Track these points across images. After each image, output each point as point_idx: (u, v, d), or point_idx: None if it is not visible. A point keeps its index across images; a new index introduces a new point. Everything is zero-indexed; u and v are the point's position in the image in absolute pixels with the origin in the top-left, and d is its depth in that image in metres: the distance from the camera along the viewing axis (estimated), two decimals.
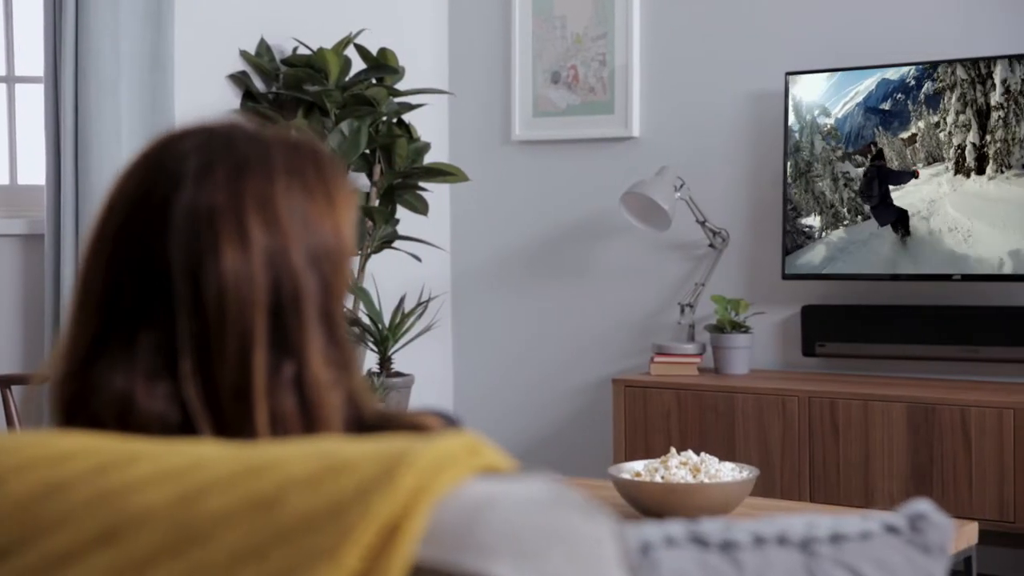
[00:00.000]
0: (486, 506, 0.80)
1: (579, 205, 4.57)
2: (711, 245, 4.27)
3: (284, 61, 4.09)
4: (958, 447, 3.50)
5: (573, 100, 4.58)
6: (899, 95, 3.85)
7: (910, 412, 3.57)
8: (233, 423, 0.99)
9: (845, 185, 3.94)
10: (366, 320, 3.99)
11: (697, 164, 4.33)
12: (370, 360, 4.06)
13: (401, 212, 4.26)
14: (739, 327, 4.09)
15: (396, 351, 3.97)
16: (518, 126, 4.68)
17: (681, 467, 2.43)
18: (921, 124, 3.81)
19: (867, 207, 3.90)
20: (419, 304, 3.99)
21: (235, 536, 0.79)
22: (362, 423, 1.06)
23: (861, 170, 3.90)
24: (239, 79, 4.06)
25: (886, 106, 3.88)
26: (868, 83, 3.87)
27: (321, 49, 3.97)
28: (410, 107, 4.16)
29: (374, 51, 4.11)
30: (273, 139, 1.11)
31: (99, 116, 3.57)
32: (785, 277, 4.04)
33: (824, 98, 3.98)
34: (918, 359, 3.87)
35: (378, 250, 4.17)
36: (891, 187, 3.84)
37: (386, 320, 4.03)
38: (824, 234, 3.97)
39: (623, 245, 4.48)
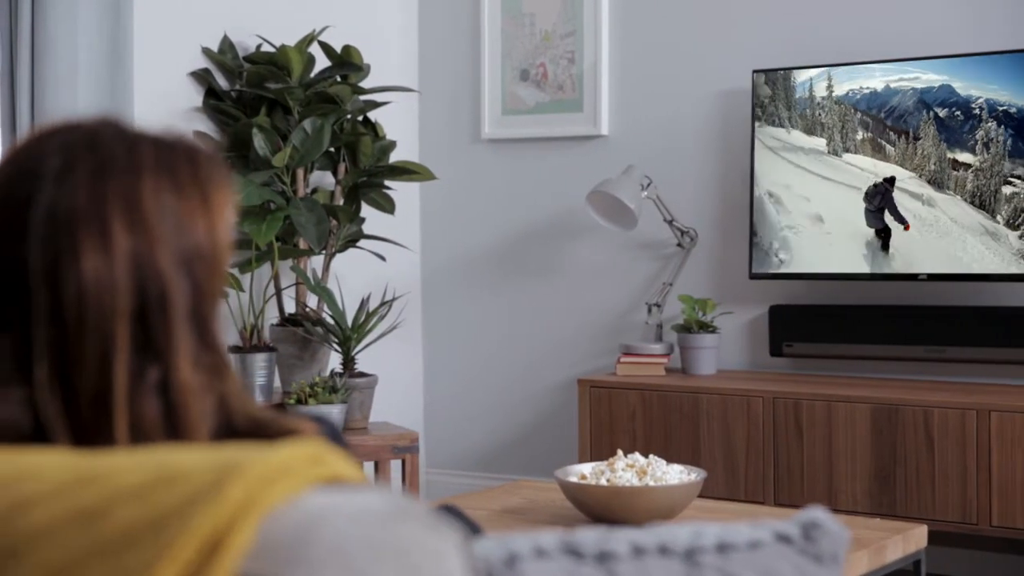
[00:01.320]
0: (319, 519, 0.77)
1: (549, 204, 4.54)
2: (679, 244, 4.23)
3: (247, 58, 4.05)
4: (921, 448, 3.48)
5: (542, 98, 4.55)
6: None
7: (874, 413, 3.55)
8: (91, 430, 0.96)
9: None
10: (330, 320, 3.96)
11: (666, 163, 4.30)
12: (334, 360, 4.03)
13: (368, 211, 4.23)
14: (706, 327, 4.06)
15: (359, 351, 3.93)
16: (487, 124, 4.65)
17: (628, 470, 2.40)
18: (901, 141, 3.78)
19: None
20: (383, 304, 3.96)
21: (54, 551, 0.76)
22: (233, 430, 1.02)
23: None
24: (201, 76, 4.02)
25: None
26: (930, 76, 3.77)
27: (283, 46, 3.93)
28: (375, 105, 4.12)
29: (340, 48, 4.08)
30: (143, 137, 1.07)
31: (56, 113, 3.54)
32: (752, 276, 4.01)
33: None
34: (885, 359, 3.85)
35: (343, 249, 4.13)
36: (887, 209, 3.79)
37: (350, 320, 3.99)
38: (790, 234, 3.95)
39: (592, 244, 4.45)
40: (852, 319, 3.86)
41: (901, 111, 3.77)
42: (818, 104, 3.89)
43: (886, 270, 3.78)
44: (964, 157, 3.66)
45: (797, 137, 3.93)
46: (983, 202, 3.61)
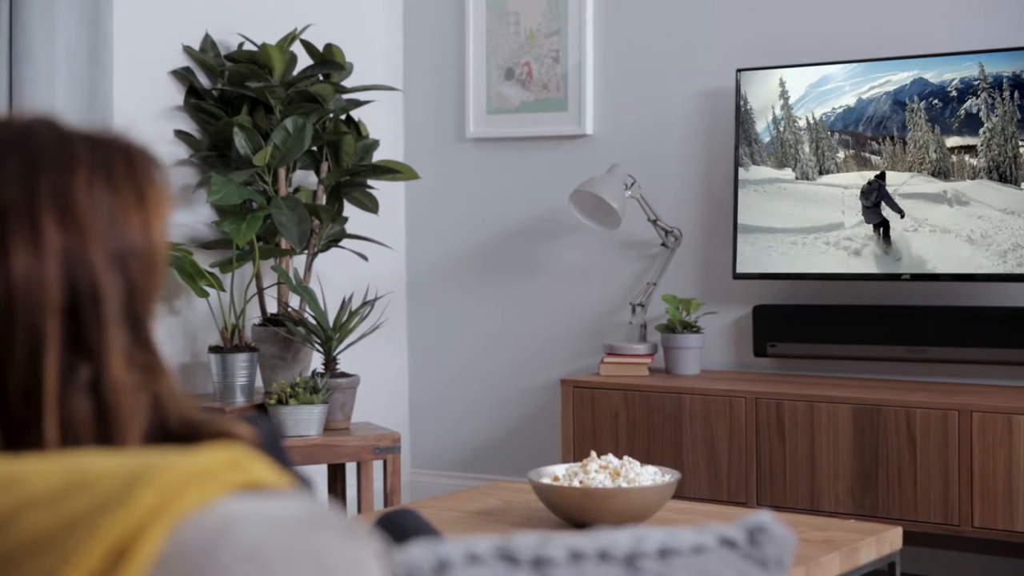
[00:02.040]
0: (231, 526, 0.75)
1: (534, 203, 4.52)
2: (663, 244, 4.22)
3: (228, 57, 4.03)
4: (903, 449, 3.46)
5: (527, 97, 4.53)
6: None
7: (856, 413, 3.53)
8: (21, 428, 0.94)
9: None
10: (312, 320, 3.94)
11: (651, 162, 4.29)
12: (316, 361, 4.01)
13: (352, 211, 4.21)
14: (690, 327, 4.05)
15: (341, 351, 3.91)
16: (472, 123, 4.64)
17: (601, 471, 2.38)
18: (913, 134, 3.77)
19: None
20: (364, 304, 3.94)
21: None
22: (166, 431, 1.01)
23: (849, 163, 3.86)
24: (182, 75, 4.01)
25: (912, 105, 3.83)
26: (902, 76, 3.76)
27: (265, 45, 3.91)
28: (357, 103, 4.11)
29: (323, 47, 4.06)
30: (78, 134, 1.05)
31: None
32: (736, 276, 3.99)
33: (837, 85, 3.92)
34: (869, 359, 3.83)
35: (325, 249, 4.12)
36: (883, 202, 3.77)
37: (332, 320, 3.97)
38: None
39: (577, 244, 4.44)
40: (836, 319, 3.85)
41: (880, 118, 3.75)
42: (784, 136, 3.88)
43: (870, 270, 3.76)
44: (954, 140, 3.64)
45: (764, 171, 3.92)
46: (1002, 174, 3.57)
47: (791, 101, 3.90)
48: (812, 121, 3.86)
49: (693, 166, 4.24)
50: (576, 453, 3.96)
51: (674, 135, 4.27)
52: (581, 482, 2.35)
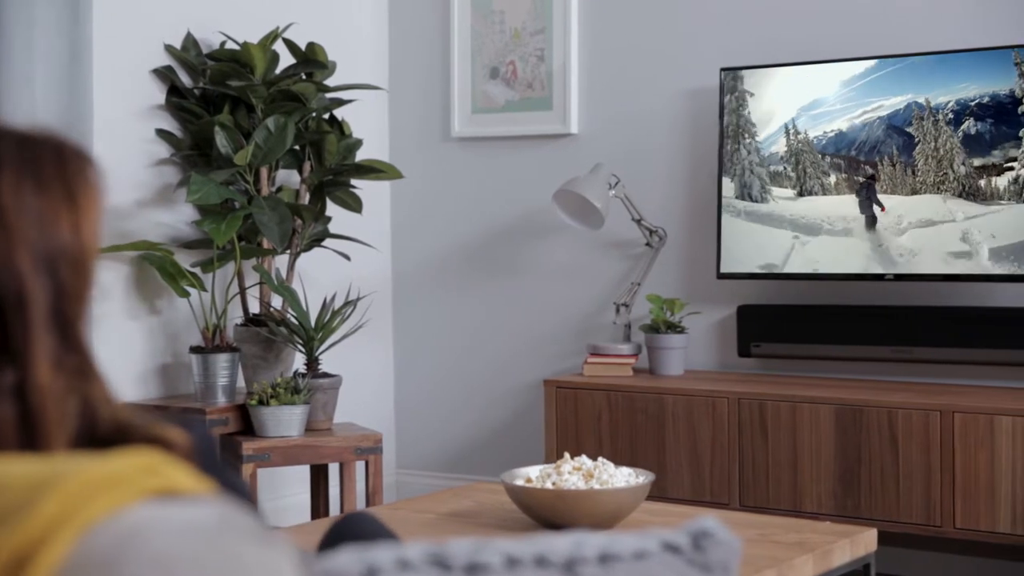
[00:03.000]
0: (141, 533, 0.73)
1: (519, 203, 4.51)
2: (648, 244, 4.20)
3: (210, 55, 4.01)
4: (885, 449, 3.45)
5: (512, 96, 4.52)
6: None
7: (838, 414, 3.52)
8: None
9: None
10: (294, 320, 3.92)
11: (635, 161, 4.27)
12: (300, 361, 3.99)
13: (337, 211, 4.19)
14: (674, 327, 4.03)
15: (323, 352, 3.90)
16: (457, 123, 4.62)
17: (574, 473, 2.36)
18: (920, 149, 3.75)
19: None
20: (346, 304, 3.92)
21: None
22: (96, 435, 0.99)
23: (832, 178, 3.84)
24: (164, 74, 3.99)
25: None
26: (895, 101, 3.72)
27: (246, 43, 3.89)
28: (340, 103, 4.09)
29: (305, 46, 4.04)
30: (7, 132, 1.03)
31: (13, 113, 3.50)
32: (720, 276, 3.98)
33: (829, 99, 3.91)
34: (853, 360, 3.82)
35: (308, 248, 4.10)
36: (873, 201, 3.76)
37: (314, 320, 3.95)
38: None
39: (563, 243, 4.42)
40: (820, 320, 3.83)
41: (873, 143, 3.73)
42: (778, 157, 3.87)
43: (855, 270, 3.75)
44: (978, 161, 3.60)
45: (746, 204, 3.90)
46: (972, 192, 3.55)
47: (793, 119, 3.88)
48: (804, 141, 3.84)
49: (678, 165, 4.22)
50: (559, 454, 3.93)
51: (659, 134, 4.25)
52: (554, 484, 2.33)
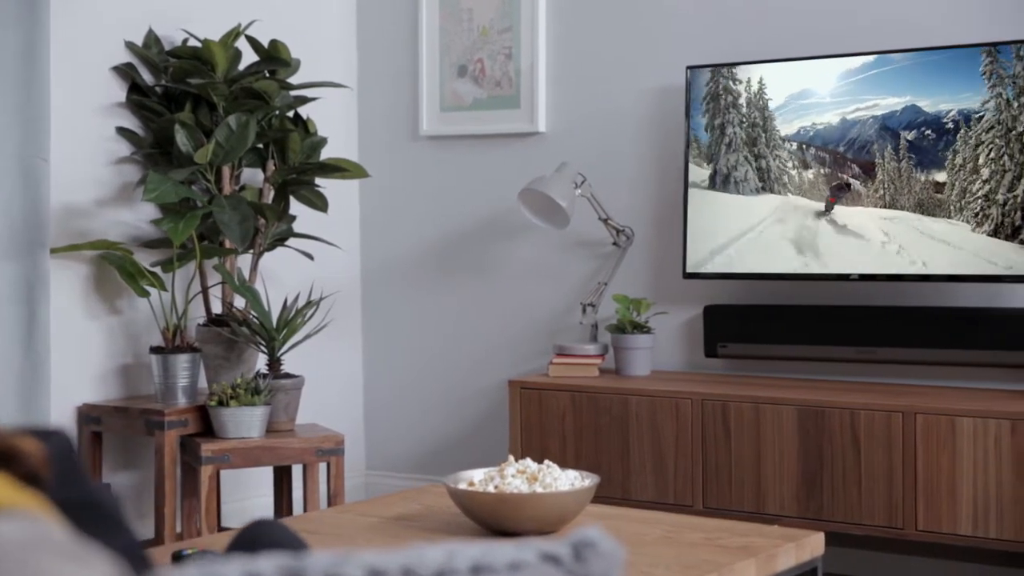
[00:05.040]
0: None
1: (488, 201, 4.47)
2: (615, 243, 4.17)
3: (171, 53, 3.97)
4: (847, 451, 3.41)
5: (480, 94, 4.48)
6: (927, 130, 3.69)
7: (800, 415, 3.48)
8: None
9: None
10: (256, 321, 3.88)
11: (603, 159, 4.24)
12: (262, 361, 3.95)
13: (303, 210, 4.15)
14: (640, 327, 4.00)
15: (285, 352, 3.86)
16: (426, 121, 4.58)
17: (518, 476, 2.33)
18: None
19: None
20: (308, 304, 3.88)
21: None
22: None
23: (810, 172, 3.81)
24: (125, 71, 3.95)
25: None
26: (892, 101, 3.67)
27: (207, 40, 3.85)
28: (303, 100, 4.05)
29: (269, 43, 4.00)
30: None
31: None
32: (686, 276, 3.94)
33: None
34: (819, 360, 3.79)
35: (271, 248, 4.06)
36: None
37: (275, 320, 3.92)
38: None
39: (532, 243, 4.39)
40: (786, 320, 3.80)
41: (863, 142, 3.69)
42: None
43: (819, 270, 3.72)
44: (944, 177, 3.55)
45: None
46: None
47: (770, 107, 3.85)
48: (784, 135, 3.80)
49: (646, 164, 4.19)
50: (524, 455, 3.90)
51: (627, 133, 4.22)
52: (497, 487, 2.30)
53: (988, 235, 3.46)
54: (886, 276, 3.62)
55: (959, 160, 3.51)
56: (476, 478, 2.38)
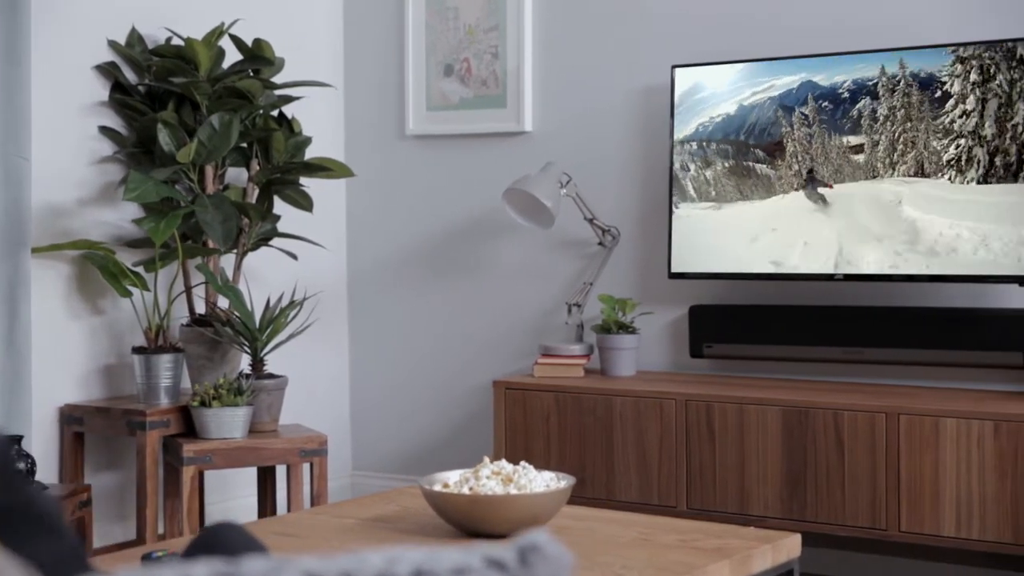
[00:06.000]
0: None
1: (474, 201, 4.46)
2: (600, 243, 4.15)
3: (154, 52, 3.96)
4: (831, 452, 3.40)
5: (466, 94, 4.47)
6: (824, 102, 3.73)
7: (785, 416, 3.47)
8: None
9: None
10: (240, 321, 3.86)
11: (589, 159, 4.23)
12: (245, 362, 3.94)
13: (288, 209, 4.14)
14: (626, 328, 3.98)
15: (268, 352, 3.84)
16: (412, 120, 4.57)
17: (493, 477, 2.31)
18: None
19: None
20: (291, 304, 3.86)
21: None
22: None
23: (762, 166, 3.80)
24: (107, 70, 3.93)
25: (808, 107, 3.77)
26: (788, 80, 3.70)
27: (190, 39, 3.84)
28: (288, 99, 4.03)
29: (253, 42, 3.98)
30: None
31: None
32: (671, 276, 3.93)
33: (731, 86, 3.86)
34: (804, 360, 3.77)
35: (255, 247, 4.04)
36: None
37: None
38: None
39: (519, 242, 4.37)
40: (772, 320, 3.79)
41: (764, 124, 3.69)
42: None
43: (805, 270, 3.70)
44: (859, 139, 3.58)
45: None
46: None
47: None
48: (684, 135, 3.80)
49: (632, 163, 4.18)
50: (508, 455, 3.89)
51: (613, 132, 4.20)
52: (471, 489, 2.29)
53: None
54: (868, 276, 3.61)
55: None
56: (451, 479, 2.36)
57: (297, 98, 4.06)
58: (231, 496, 4.27)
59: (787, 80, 3.69)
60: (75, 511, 3.45)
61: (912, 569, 3.66)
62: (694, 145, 3.79)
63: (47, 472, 3.76)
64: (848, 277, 3.64)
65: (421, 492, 2.47)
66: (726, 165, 3.73)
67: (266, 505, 4.03)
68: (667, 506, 3.62)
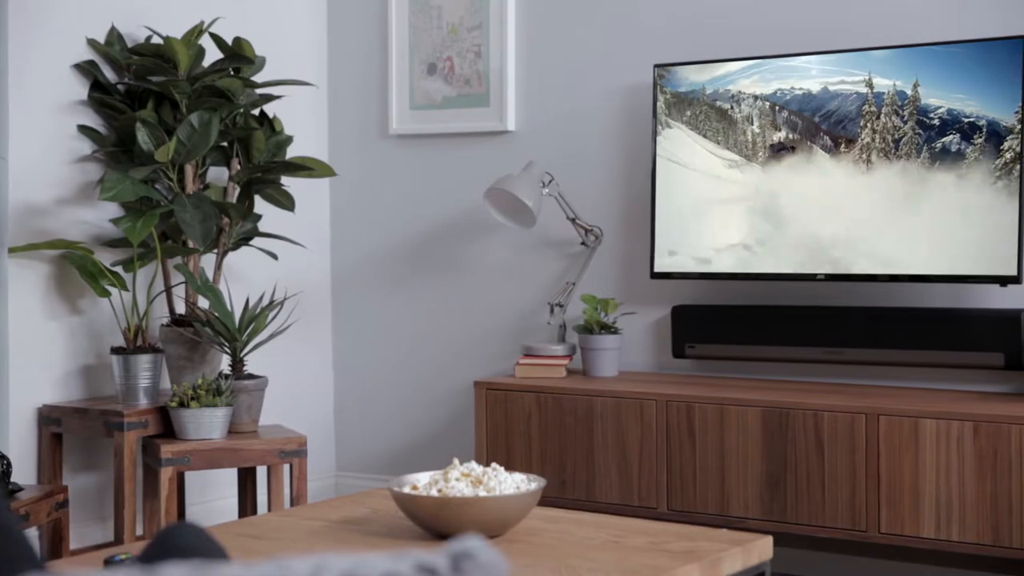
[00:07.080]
0: None
1: (457, 200, 4.44)
2: (583, 243, 4.13)
3: (133, 50, 3.93)
4: (811, 453, 3.38)
5: (449, 93, 4.45)
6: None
7: (765, 417, 3.45)
8: None
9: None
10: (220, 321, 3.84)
11: (572, 158, 4.21)
12: (225, 362, 3.92)
13: (270, 208, 4.12)
14: (608, 328, 3.96)
15: (248, 352, 3.82)
16: (395, 120, 4.55)
17: (462, 479, 2.29)
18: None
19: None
20: (270, 304, 3.84)
21: None
22: None
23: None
24: (86, 69, 3.91)
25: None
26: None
27: (169, 38, 3.81)
28: (268, 98, 4.01)
29: (233, 41, 3.96)
30: None
31: None
32: (653, 276, 3.91)
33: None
34: (786, 361, 3.75)
35: (236, 247, 4.02)
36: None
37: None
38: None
39: (502, 242, 4.35)
40: (755, 320, 3.77)
41: (841, 116, 3.65)
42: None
43: (788, 270, 3.68)
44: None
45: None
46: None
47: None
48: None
49: (614, 163, 4.16)
50: (489, 456, 3.87)
51: (595, 131, 4.19)
52: (440, 491, 2.26)
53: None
54: (851, 276, 3.59)
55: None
56: (421, 481, 2.34)
57: (278, 97, 4.04)
58: (211, 497, 4.25)
59: (774, 80, 3.66)
60: (52, 512, 3.43)
61: (892, 570, 3.64)
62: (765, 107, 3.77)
63: (24, 473, 3.74)
64: (830, 277, 3.62)
65: (391, 494, 2.44)
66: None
67: (246, 506, 4.01)
68: (647, 507, 3.60)
